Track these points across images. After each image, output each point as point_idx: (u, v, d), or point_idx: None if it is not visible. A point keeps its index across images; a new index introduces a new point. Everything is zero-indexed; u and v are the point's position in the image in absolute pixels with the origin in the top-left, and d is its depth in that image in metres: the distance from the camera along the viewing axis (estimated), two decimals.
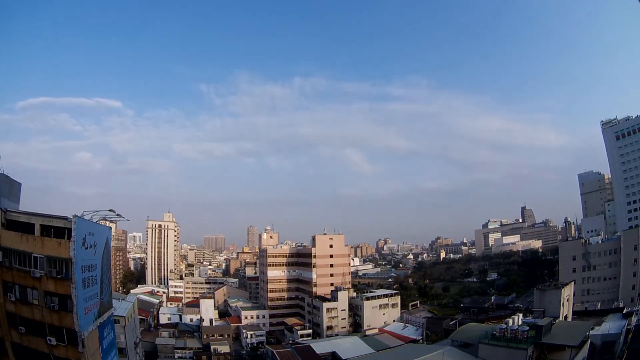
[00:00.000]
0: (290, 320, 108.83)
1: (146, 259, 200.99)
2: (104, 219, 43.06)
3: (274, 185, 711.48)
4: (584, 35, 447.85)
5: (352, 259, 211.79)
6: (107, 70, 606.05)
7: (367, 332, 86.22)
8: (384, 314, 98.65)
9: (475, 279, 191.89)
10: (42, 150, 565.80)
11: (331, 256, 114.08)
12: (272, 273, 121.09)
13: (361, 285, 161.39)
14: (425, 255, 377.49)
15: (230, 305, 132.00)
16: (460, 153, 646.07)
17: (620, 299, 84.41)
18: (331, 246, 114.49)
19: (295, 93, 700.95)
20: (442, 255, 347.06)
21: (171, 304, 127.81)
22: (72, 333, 30.10)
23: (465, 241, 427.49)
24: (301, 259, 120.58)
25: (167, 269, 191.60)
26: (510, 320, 53.84)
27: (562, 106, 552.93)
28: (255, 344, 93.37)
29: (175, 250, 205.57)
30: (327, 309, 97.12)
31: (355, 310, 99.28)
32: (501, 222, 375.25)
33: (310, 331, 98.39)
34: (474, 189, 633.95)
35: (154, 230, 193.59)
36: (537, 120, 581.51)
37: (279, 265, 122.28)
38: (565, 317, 66.67)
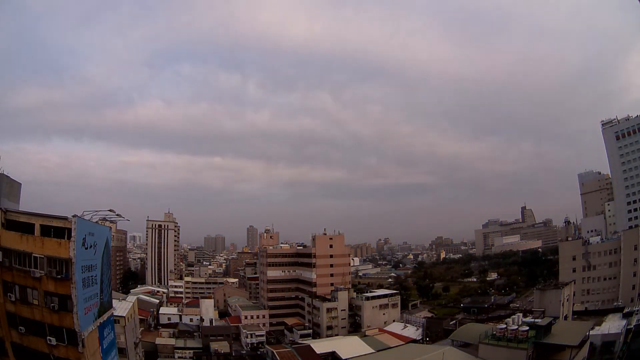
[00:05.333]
0: (290, 320, 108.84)
1: (146, 259, 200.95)
2: (104, 219, 43.14)
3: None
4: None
5: (352, 259, 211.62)
6: None
7: (367, 332, 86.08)
8: (384, 314, 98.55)
9: (475, 279, 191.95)
10: None
11: (331, 256, 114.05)
12: (272, 273, 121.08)
13: (361, 285, 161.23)
14: (425, 255, 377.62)
15: (230, 305, 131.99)
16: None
17: (620, 299, 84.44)
18: (331, 246, 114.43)
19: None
20: (442, 255, 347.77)
21: (171, 304, 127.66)
22: (72, 333, 30.11)
23: (465, 241, 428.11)
24: (301, 259, 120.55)
25: (167, 269, 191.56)
26: (510, 320, 53.80)
27: None
28: (255, 344, 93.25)
29: (175, 250, 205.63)
30: (327, 309, 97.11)
31: (355, 310, 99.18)
32: (501, 222, 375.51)
33: (310, 331, 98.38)
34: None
35: (154, 230, 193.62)
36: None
37: (279, 265, 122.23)
38: (565, 317, 66.67)
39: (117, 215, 41.17)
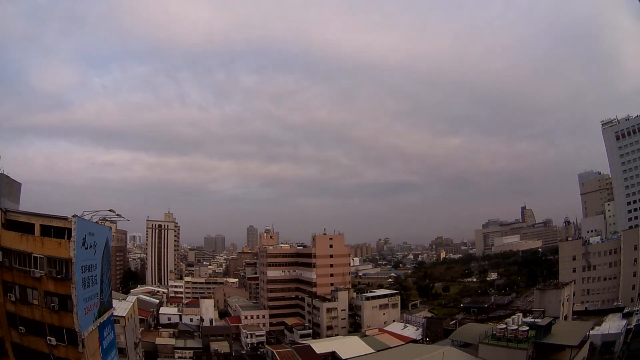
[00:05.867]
0: (290, 320, 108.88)
1: (146, 259, 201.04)
2: (104, 219, 43.13)
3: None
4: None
5: (352, 259, 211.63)
6: None
7: (367, 332, 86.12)
8: (384, 314, 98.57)
9: (475, 279, 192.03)
10: None
11: (331, 256, 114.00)
12: (272, 273, 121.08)
13: (361, 285, 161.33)
14: (425, 255, 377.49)
15: (230, 305, 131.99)
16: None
17: (620, 299, 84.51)
18: (331, 246, 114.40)
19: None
20: (442, 255, 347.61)
21: (171, 304, 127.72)
22: (72, 333, 30.09)
23: (465, 241, 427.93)
24: (301, 259, 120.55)
25: (167, 269, 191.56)
26: (510, 320, 53.77)
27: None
28: (255, 344, 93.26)
29: (175, 250, 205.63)
30: (327, 309, 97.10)
31: (355, 310, 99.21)
32: (501, 222, 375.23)
33: (310, 331, 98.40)
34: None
35: (154, 230, 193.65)
36: None
37: (279, 265, 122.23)
38: (565, 317, 66.64)
39: (117, 215, 41.15)
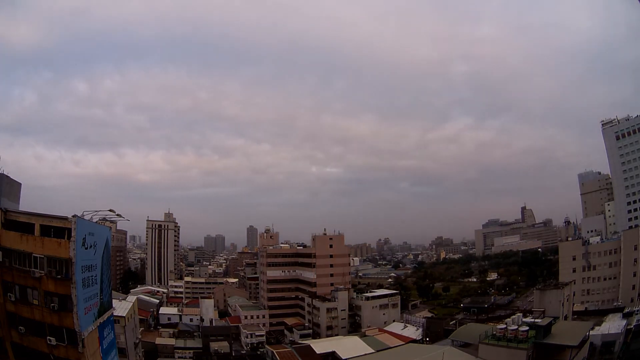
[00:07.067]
0: (290, 320, 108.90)
1: (146, 259, 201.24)
2: (104, 219, 43.17)
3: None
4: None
5: (352, 259, 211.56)
6: None
7: (367, 332, 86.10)
8: (384, 314, 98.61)
9: (475, 279, 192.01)
10: None
11: (331, 256, 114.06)
12: (271, 273, 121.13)
13: (361, 285, 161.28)
14: (425, 255, 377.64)
15: (230, 305, 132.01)
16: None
17: (620, 299, 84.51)
18: (331, 246, 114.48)
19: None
20: (442, 255, 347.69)
21: (171, 304, 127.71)
22: (72, 333, 30.08)
23: (465, 241, 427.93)
24: (301, 259, 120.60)
25: (167, 269, 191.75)
26: (510, 320, 53.75)
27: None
28: (255, 344, 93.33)
29: (175, 250, 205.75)
30: (327, 309, 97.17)
31: (355, 310, 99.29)
32: (501, 222, 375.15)
33: (310, 331, 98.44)
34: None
35: (154, 230, 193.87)
36: None
37: (279, 265, 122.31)
38: (565, 317, 66.59)
39: (117, 215, 41.17)
